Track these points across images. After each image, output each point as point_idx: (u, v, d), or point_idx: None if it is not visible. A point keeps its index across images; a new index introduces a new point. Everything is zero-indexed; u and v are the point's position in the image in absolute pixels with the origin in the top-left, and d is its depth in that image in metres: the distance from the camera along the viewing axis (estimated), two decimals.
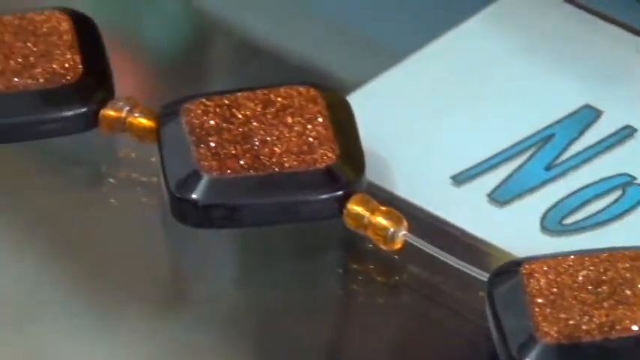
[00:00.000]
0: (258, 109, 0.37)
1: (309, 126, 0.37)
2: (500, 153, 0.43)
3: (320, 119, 0.38)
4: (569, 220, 0.41)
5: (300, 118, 0.38)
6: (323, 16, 0.50)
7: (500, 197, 0.42)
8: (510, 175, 0.43)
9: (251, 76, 0.47)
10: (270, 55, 0.48)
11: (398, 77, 0.46)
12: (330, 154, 0.37)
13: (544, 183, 0.42)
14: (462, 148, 0.43)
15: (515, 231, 0.41)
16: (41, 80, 0.40)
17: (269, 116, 0.37)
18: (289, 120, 0.37)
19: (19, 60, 0.40)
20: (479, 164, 0.42)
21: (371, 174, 0.40)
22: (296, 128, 0.37)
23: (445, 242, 0.40)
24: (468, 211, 0.41)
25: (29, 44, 0.40)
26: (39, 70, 0.40)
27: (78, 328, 0.39)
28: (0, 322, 0.39)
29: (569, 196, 0.42)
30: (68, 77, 0.40)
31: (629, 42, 0.47)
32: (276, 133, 0.37)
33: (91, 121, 0.39)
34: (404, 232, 0.37)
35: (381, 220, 0.37)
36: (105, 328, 0.39)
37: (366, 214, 0.37)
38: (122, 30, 0.47)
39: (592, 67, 0.46)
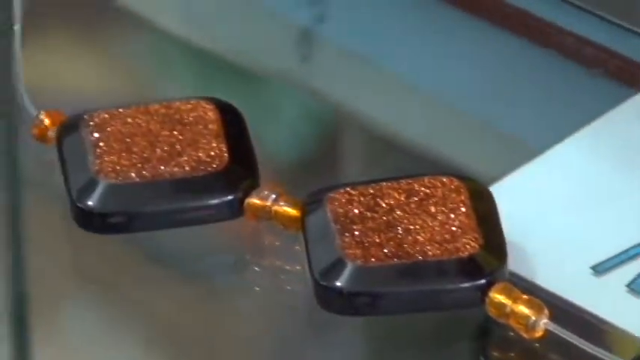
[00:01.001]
0: (402, 199, 0.37)
1: (452, 215, 0.37)
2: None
3: (463, 209, 0.38)
4: None
5: (443, 208, 0.38)
6: (458, 109, 0.51)
7: (639, 287, 0.41)
8: None
9: (389, 167, 0.47)
10: (407, 148, 0.49)
11: (539, 169, 0.46)
12: (472, 243, 0.37)
13: None
14: (602, 238, 0.43)
15: None
16: (187, 168, 0.40)
17: (412, 205, 0.37)
18: (432, 209, 0.37)
19: (166, 148, 0.41)
20: (618, 255, 0.42)
21: (512, 263, 0.39)
22: (439, 217, 0.37)
23: (585, 331, 0.40)
24: (608, 301, 0.41)
25: (175, 132, 0.41)
26: (185, 158, 0.40)
27: None
28: None
29: None
30: (214, 165, 0.40)
31: None
32: (420, 222, 0.37)
33: (237, 209, 0.40)
34: (545, 320, 0.37)
35: (522, 309, 0.37)
36: None
37: (508, 302, 0.37)
38: (259, 120, 0.48)
39: None
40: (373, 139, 0.50)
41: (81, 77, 0.54)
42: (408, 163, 0.49)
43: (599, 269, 0.41)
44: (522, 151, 0.47)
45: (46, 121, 0.45)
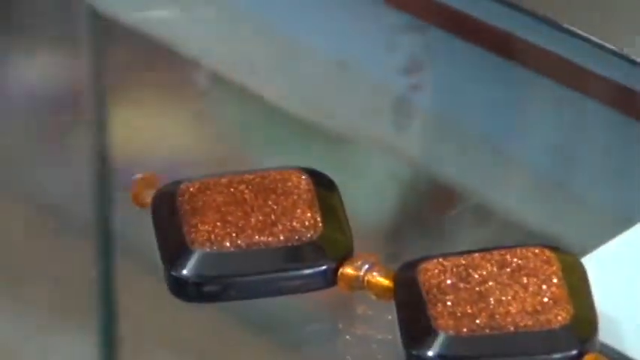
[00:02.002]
0: (494, 269, 0.37)
1: (544, 286, 0.37)
2: None
3: (555, 280, 0.37)
4: None
5: (535, 279, 0.37)
6: (551, 180, 0.50)
7: None
8: None
9: (480, 237, 0.47)
10: (498, 217, 0.49)
11: (632, 241, 0.46)
12: (564, 314, 0.36)
13: None
14: None
15: None
16: (282, 238, 0.40)
17: (504, 276, 0.37)
18: (524, 280, 0.37)
19: (260, 218, 0.41)
20: None
21: (604, 335, 0.39)
22: (531, 288, 0.37)
23: None
24: None
25: (270, 202, 0.41)
26: (280, 227, 0.41)
27: None
28: None
29: None
30: (309, 235, 0.40)
31: None
32: (512, 292, 0.37)
33: (331, 278, 0.40)
34: None
35: None
36: None
37: None
38: (352, 188, 0.48)
39: None
40: (467, 208, 0.50)
41: (172, 139, 0.55)
42: (500, 232, 0.49)
43: None
44: (611, 221, 0.47)
45: (141, 185, 0.46)
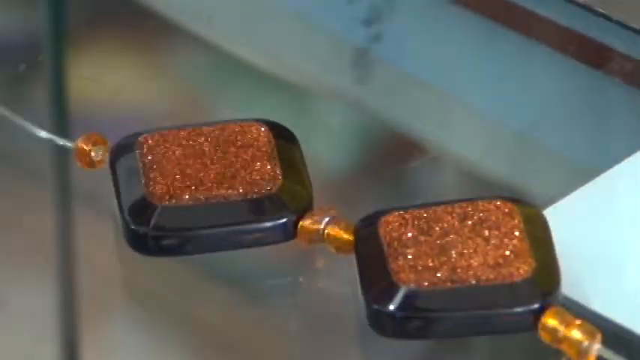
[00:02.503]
0: (456, 222, 0.37)
1: (506, 239, 0.37)
2: None
3: (517, 233, 0.37)
4: None
5: (497, 232, 0.37)
6: (514, 131, 0.51)
7: None
8: None
9: (442, 188, 0.47)
10: (461, 169, 0.49)
11: (594, 192, 0.46)
12: (526, 268, 0.37)
13: None
14: None
15: None
16: (241, 191, 0.40)
17: (466, 229, 0.37)
18: (486, 233, 0.37)
19: (220, 170, 0.41)
20: None
21: (566, 287, 0.39)
22: (493, 241, 0.37)
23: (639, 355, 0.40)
24: None
25: (229, 155, 0.41)
26: (239, 180, 0.40)
27: None
28: None
29: None
30: (268, 188, 0.40)
31: None
32: (473, 246, 0.37)
33: (290, 232, 0.40)
34: (598, 345, 0.37)
35: (575, 334, 0.36)
36: None
37: (561, 327, 0.36)
38: (313, 140, 0.48)
39: None
40: (427, 159, 0.50)
41: (132, 90, 0.55)
42: (461, 184, 0.49)
43: None
44: (578, 173, 0.47)
45: (86, 147, 0.45)
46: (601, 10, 0.52)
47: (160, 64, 0.56)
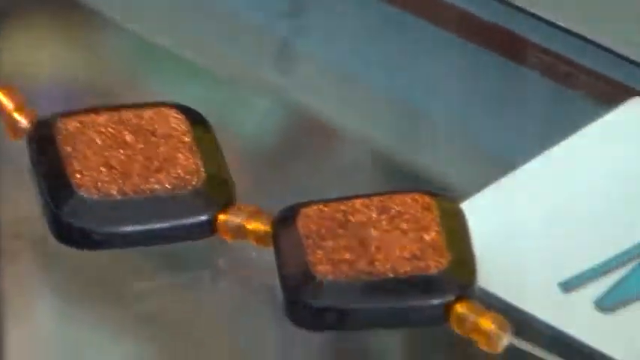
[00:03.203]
0: (374, 215, 0.39)
1: (423, 233, 0.39)
2: (607, 261, 0.44)
3: (434, 226, 0.39)
4: None
5: (414, 225, 0.39)
6: (437, 124, 0.52)
7: (606, 304, 0.43)
8: (617, 283, 0.44)
9: (363, 180, 0.48)
10: (383, 161, 0.50)
11: (511, 186, 0.48)
12: (442, 261, 0.39)
13: None
14: (571, 255, 0.45)
15: (620, 337, 0.43)
16: (168, 186, 0.41)
17: (384, 222, 0.39)
18: (404, 226, 0.39)
19: (144, 163, 0.41)
20: (586, 271, 0.44)
21: (482, 280, 0.41)
22: (410, 235, 0.38)
23: (552, 347, 0.42)
24: (575, 317, 0.43)
25: (151, 146, 0.42)
26: (164, 174, 0.41)
27: None
28: None
29: None
30: (193, 183, 0.41)
31: None
32: (391, 239, 0.39)
33: (210, 227, 0.41)
34: (508, 336, 0.39)
35: (485, 324, 0.38)
36: None
37: (471, 317, 0.39)
38: (231, 128, 0.49)
39: None
40: (349, 151, 0.52)
41: (57, 67, 0.56)
42: (381, 175, 0.50)
43: (567, 286, 0.43)
44: (501, 167, 0.49)
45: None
46: (518, 4, 0.54)
47: (87, 54, 0.57)
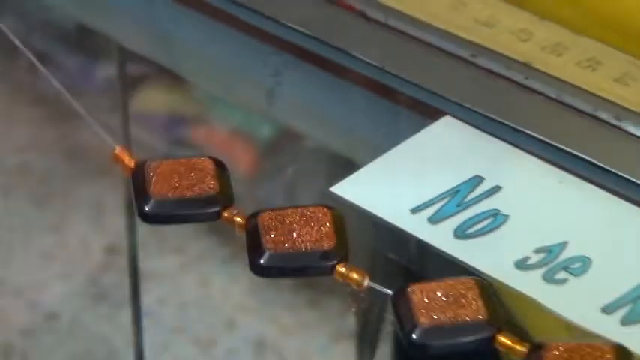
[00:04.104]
0: (297, 218, 0.59)
1: (323, 228, 0.58)
2: (435, 197, 0.63)
3: (328, 225, 0.59)
4: (469, 231, 0.60)
5: (318, 223, 0.59)
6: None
7: (436, 219, 0.61)
8: (440, 208, 0.62)
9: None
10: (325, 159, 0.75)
11: (381, 167, 0.66)
12: (332, 243, 0.59)
13: (457, 212, 0.62)
14: (417, 194, 0.63)
15: (439, 238, 0.60)
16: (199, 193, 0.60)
17: (302, 222, 0.59)
18: (312, 224, 0.58)
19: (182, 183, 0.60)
20: (426, 202, 0.63)
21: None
22: (315, 228, 0.58)
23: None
24: (416, 228, 0.61)
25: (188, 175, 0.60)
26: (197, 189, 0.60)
27: None
28: None
29: (469, 219, 0.61)
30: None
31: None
32: (305, 230, 0.58)
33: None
34: (367, 281, 0.56)
35: (354, 276, 0.58)
36: None
37: (347, 273, 0.57)
38: None
39: (482, 158, 0.66)
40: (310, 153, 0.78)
41: None
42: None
43: (414, 209, 0.63)
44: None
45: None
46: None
47: None
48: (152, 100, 0.87)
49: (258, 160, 0.83)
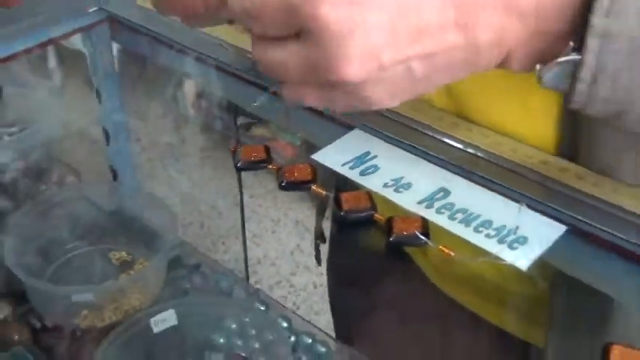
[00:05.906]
0: None
1: None
2: (352, 158, 0.94)
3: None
4: (365, 173, 0.93)
5: None
6: None
7: (352, 167, 0.94)
8: (354, 163, 0.94)
9: None
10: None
11: (346, 142, 0.99)
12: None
13: (360, 164, 0.95)
14: (344, 158, 0.95)
15: (353, 175, 0.92)
16: None
17: None
18: None
19: None
20: (348, 161, 0.95)
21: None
22: None
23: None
24: (345, 172, 0.94)
25: None
26: None
27: None
28: None
29: (365, 168, 0.94)
30: None
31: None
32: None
33: None
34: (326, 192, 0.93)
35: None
36: None
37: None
38: None
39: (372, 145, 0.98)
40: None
41: None
42: None
43: (350, 167, 0.93)
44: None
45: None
46: None
47: None
48: None
49: None
